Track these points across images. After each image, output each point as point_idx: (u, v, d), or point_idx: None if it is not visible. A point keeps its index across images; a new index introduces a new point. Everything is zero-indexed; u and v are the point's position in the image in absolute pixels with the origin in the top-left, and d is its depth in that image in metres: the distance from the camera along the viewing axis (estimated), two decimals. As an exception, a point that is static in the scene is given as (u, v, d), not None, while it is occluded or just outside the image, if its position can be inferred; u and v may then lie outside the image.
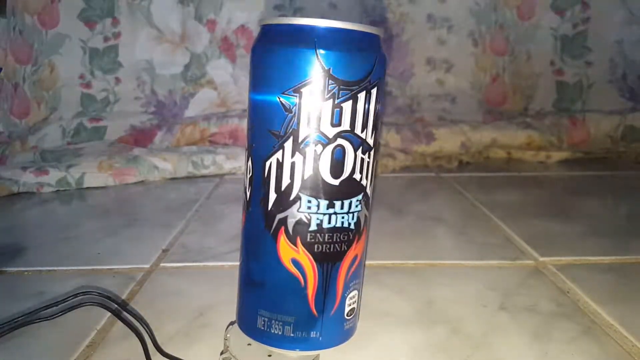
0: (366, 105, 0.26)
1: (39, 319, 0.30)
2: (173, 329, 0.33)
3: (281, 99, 0.26)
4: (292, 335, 0.28)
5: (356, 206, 0.27)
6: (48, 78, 0.86)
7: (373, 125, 0.27)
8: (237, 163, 0.74)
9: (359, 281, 0.30)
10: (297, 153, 0.26)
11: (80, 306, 0.31)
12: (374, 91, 0.26)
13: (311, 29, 0.25)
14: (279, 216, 0.27)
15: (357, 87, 0.26)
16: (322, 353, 0.29)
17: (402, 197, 0.64)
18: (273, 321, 0.28)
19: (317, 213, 0.26)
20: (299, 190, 0.26)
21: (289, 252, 0.27)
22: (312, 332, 0.28)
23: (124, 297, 0.38)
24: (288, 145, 0.26)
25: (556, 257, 0.44)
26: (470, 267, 0.43)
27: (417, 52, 0.93)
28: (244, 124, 0.81)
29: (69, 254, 0.46)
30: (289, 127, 0.26)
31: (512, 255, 0.45)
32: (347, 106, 0.26)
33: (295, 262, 0.27)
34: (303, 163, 0.26)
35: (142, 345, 0.29)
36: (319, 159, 0.26)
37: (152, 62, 0.89)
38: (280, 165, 0.26)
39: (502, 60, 0.93)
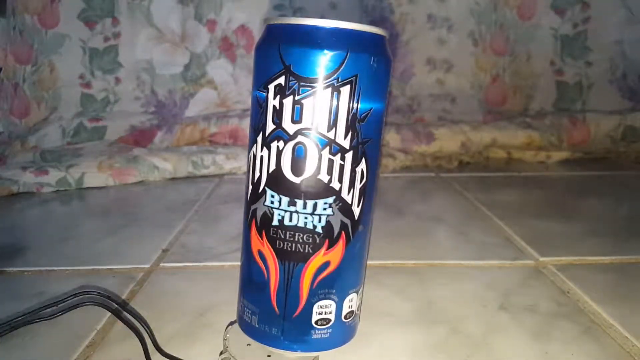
0: (334, 104, 0.25)
1: (39, 319, 0.30)
2: (173, 329, 0.33)
3: (257, 95, 0.27)
4: (257, 325, 0.28)
5: (324, 209, 0.26)
6: (48, 78, 0.86)
7: (348, 126, 0.26)
8: (237, 163, 0.74)
9: (337, 292, 0.28)
10: (264, 147, 0.27)
11: (80, 306, 0.31)
12: (344, 89, 0.25)
13: (278, 27, 0.26)
14: (252, 207, 0.28)
15: (319, 84, 0.25)
16: (321, 355, 0.29)
17: (402, 197, 0.64)
18: (246, 308, 0.29)
19: (278, 209, 0.27)
20: (265, 184, 0.27)
21: (257, 244, 0.28)
22: (273, 329, 0.28)
23: (124, 297, 0.38)
24: (259, 139, 0.27)
25: (556, 257, 0.44)
26: (470, 267, 0.43)
27: (417, 52, 0.93)
28: (244, 124, 0.81)
29: (69, 254, 0.46)
30: (260, 122, 0.27)
31: (512, 255, 0.45)
32: (308, 103, 0.25)
33: (261, 254, 0.28)
34: (268, 157, 0.27)
35: (142, 345, 0.29)
36: (281, 154, 0.26)
37: (152, 62, 0.89)
38: (254, 158, 0.27)
39: (502, 60, 0.93)
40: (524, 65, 0.93)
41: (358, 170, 0.27)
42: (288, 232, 0.27)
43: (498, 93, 0.93)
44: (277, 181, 0.27)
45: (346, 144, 0.26)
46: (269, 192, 0.27)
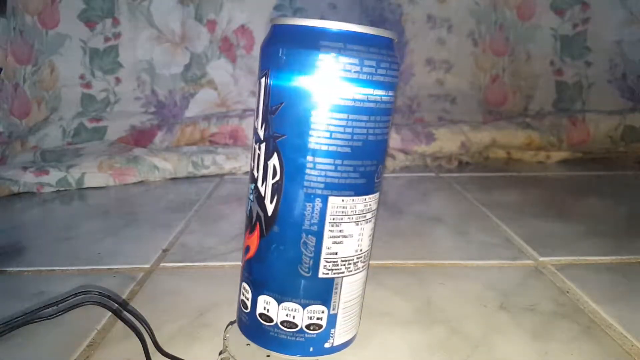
0: (259, 94, 0.27)
1: (39, 318, 0.30)
2: (173, 329, 0.33)
3: None
4: None
5: (250, 193, 0.28)
6: (48, 78, 0.86)
7: (263, 117, 0.26)
8: (237, 163, 0.74)
9: (252, 281, 0.28)
10: None
11: (80, 305, 0.31)
12: (262, 81, 0.26)
13: None
14: None
15: (259, 77, 0.27)
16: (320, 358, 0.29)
17: (402, 197, 0.64)
18: None
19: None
20: None
21: None
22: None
23: (124, 296, 0.38)
24: None
25: (556, 257, 0.44)
26: (470, 267, 0.43)
27: (417, 52, 0.93)
28: (244, 124, 0.81)
29: (69, 254, 0.46)
30: None
31: (512, 255, 0.45)
32: (256, 93, 0.28)
33: None
34: None
35: (142, 345, 0.29)
36: None
37: (152, 62, 0.89)
38: None
39: (502, 60, 0.93)
40: (523, 66, 0.93)
41: (270, 164, 0.26)
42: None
43: (498, 93, 0.93)
44: None
45: (262, 134, 0.27)
46: None
